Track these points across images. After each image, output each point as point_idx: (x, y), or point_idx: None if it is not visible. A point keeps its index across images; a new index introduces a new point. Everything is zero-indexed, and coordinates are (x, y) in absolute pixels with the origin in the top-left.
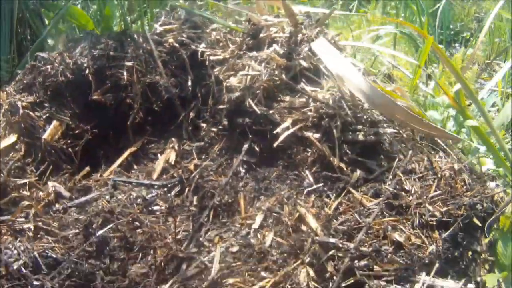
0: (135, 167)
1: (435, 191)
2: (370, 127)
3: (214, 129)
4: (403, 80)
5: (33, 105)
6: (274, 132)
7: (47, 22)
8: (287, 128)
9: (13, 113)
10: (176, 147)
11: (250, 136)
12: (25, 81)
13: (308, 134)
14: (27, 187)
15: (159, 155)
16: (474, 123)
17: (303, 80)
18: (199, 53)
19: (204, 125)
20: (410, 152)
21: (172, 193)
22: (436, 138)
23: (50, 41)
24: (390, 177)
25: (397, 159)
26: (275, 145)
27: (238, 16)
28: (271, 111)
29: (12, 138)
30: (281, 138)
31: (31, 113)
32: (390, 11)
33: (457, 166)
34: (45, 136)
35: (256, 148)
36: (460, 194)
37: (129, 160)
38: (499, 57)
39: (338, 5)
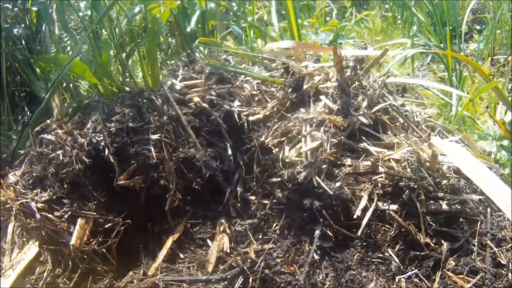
0: (182, 256)
1: None
2: (453, 194)
3: (266, 202)
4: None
5: (49, 203)
6: (354, 216)
7: (38, 71)
8: (366, 208)
9: (27, 216)
10: (227, 229)
11: (321, 220)
12: (34, 174)
13: (385, 207)
14: None
15: (208, 240)
16: None
17: (363, 138)
18: (234, 113)
19: (253, 197)
20: (488, 210)
21: (236, 287)
22: None
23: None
24: (476, 243)
25: (479, 221)
26: (359, 233)
27: (267, 62)
28: (338, 184)
29: (33, 249)
30: (365, 222)
31: (49, 215)
32: (387, 13)
33: None
34: (73, 241)
35: (327, 230)
36: None
37: (173, 248)
38: (503, 49)
39: (333, 13)
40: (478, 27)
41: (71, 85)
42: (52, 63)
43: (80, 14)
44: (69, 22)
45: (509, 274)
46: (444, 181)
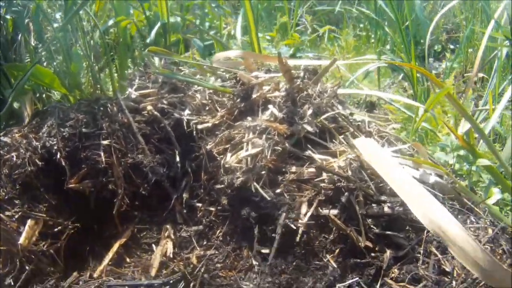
0: (128, 260)
1: None
2: (395, 197)
3: (212, 209)
4: (394, 113)
5: (1, 203)
6: (294, 227)
7: (12, 80)
8: (304, 215)
9: None
10: (172, 235)
11: (257, 225)
12: None
13: (325, 211)
14: None
15: (153, 245)
16: (487, 162)
17: (309, 146)
18: (184, 122)
19: (199, 204)
20: None
21: None
22: (461, 195)
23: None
24: (422, 251)
25: (426, 230)
26: (297, 239)
27: (221, 72)
28: (278, 191)
29: None
30: (301, 229)
31: (1, 215)
32: (360, 33)
33: (491, 231)
34: (21, 241)
35: (267, 234)
36: None
37: (120, 252)
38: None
39: (308, 20)
40: (452, 46)
41: (44, 95)
42: (21, 70)
43: (55, 25)
44: (45, 32)
45: (453, 281)
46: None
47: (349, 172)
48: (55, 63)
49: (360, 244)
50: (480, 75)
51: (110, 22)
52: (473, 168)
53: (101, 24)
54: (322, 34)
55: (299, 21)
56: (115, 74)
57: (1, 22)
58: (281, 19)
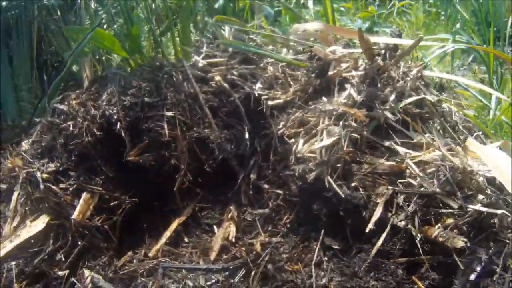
0: (186, 240)
1: None
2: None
3: (280, 192)
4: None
5: (55, 174)
6: (366, 230)
7: (72, 43)
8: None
9: (32, 186)
10: (235, 217)
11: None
12: (43, 143)
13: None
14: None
15: (214, 227)
16: None
17: (390, 135)
18: (254, 96)
19: (267, 186)
20: None
21: (236, 279)
22: None
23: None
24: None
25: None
26: (367, 230)
27: (294, 44)
28: (353, 185)
29: (41, 224)
30: (373, 221)
31: (54, 186)
32: (430, 9)
33: None
34: (75, 215)
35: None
36: None
37: (178, 231)
38: None
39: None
40: None
41: (103, 58)
42: (80, 33)
43: None
44: None
45: None
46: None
47: (435, 182)
48: (115, 26)
49: None
50: None
51: None
52: None
53: None
54: (391, 7)
55: None
56: (177, 39)
57: None
58: None
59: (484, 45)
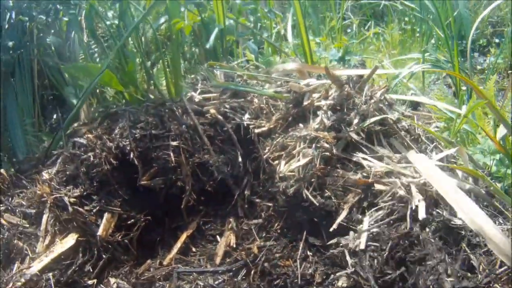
0: (194, 249)
1: (501, 266)
2: None
3: (270, 204)
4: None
5: (80, 198)
6: (330, 229)
7: (67, 77)
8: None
9: (60, 209)
10: (234, 227)
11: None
12: (67, 172)
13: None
14: None
15: (217, 236)
16: None
17: (357, 151)
18: (243, 125)
19: (258, 200)
20: None
21: (239, 278)
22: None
23: (74, 101)
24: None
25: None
26: (331, 229)
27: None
28: (326, 195)
29: (71, 240)
30: (336, 224)
31: (80, 208)
32: (406, 26)
33: None
34: (100, 232)
35: (319, 230)
36: None
37: (186, 242)
38: None
39: (355, 22)
40: (497, 40)
41: (97, 91)
42: (81, 71)
43: (108, 23)
44: (96, 29)
45: (479, 275)
46: None
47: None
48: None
49: None
50: None
51: (162, 20)
52: (509, 171)
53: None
54: (368, 29)
55: (345, 14)
56: (168, 70)
57: (57, 23)
58: (330, 23)
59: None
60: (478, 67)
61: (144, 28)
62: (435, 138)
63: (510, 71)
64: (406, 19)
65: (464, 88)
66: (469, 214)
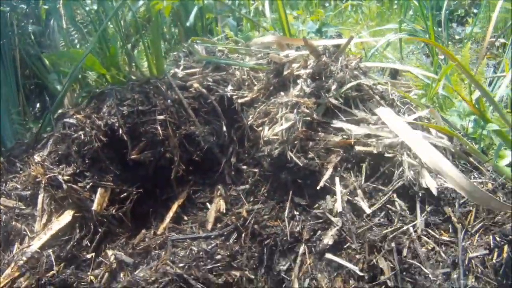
0: (185, 218)
1: (475, 218)
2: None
3: (256, 170)
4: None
5: (74, 176)
6: (318, 187)
7: (47, 63)
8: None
9: (55, 188)
10: (223, 194)
11: (294, 184)
12: (59, 152)
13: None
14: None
15: (207, 204)
16: (496, 127)
17: (337, 114)
18: (226, 97)
19: (245, 167)
20: None
21: (231, 241)
22: (471, 156)
23: (59, 87)
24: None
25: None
26: (318, 187)
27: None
28: (309, 156)
29: (67, 217)
30: (322, 182)
31: (75, 186)
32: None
33: (491, 185)
34: (95, 207)
35: (303, 190)
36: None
37: (178, 212)
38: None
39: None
40: (475, 11)
41: (79, 76)
42: (64, 57)
43: (87, 8)
44: (75, 16)
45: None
46: None
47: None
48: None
49: None
50: (502, 40)
51: (140, 3)
52: (484, 132)
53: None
54: (345, 1)
55: None
56: (148, 52)
57: (37, 11)
58: None
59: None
60: (457, 37)
61: (123, 10)
62: (410, 102)
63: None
64: None
65: (442, 57)
66: (430, 157)
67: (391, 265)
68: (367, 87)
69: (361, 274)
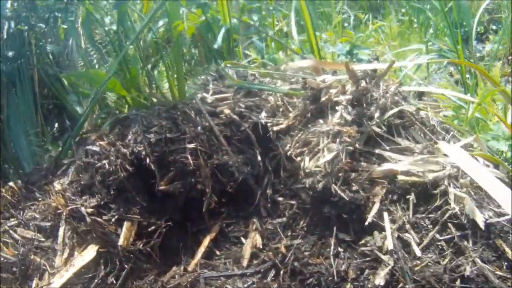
0: (218, 253)
1: None
2: None
3: (293, 202)
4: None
5: (98, 208)
6: (366, 223)
7: (66, 83)
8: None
9: (77, 220)
10: (259, 228)
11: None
12: (82, 182)
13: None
14: None
15: (242, 238)
16: None
17: (379, 143)
18: (260, 124)
19: (281, 199)
20: None
21: (268, 279)
22: None
23: (78, 109)
24: None
25: None
26: (366, 223)
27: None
28: (354, 189)
29: (91, 252)
30: (370, 217)
31: (99, 219)
32: (403, 17)
33: None
34: (121, 242)
35: (348, 225)
36: None
37: (210, 247)
38: None
39: (350, 19)
40: (494, 27)
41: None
42: (83, 77)
43: (106, 28)
44: (94, 36)
45: None
46: None
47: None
48: (108, 66)
49: None
50: None
51: (161, 23)
52: None
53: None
54: (366, 21)
55: (342, 9)
56: (169, 73)
57: (55, 31)
58: (330, 18)
59: (454, 51)
60: (478, 54)
61: (143, 31)
62: (450, 128)
63: (510, 57)
64: (403, 10)
65: (467, 76)
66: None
67: None
68: (409, 114)
69: None
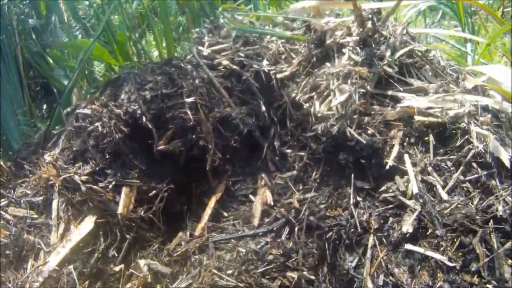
0: (226, 214)
1: None
2: None
3: (303, 153)
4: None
5: (93, 175)
6: (387, 167)
7: (51, 61)
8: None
9: (71, 191)
10: (268, 183)
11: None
12: (74, 148)
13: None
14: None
15: (250, 196)
16: None
17: (391, 84)
18: (262, 72)
19: (289, 151)
20: None
21: (283, 237)
22: None
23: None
24: None
25: None
26: (387, 166)
27: (289, 22)
28: (369, 132)
29: (89, 224)
30: (391, 160)
31: (95, 186)
32: None
33: None
34: (120, 210)
35: (365, 171)
36: None
37: (216, 208)
38: None
39: None
40: None
41: (86, 72)
42: (69, 48)
43: (87, 2)
44: (77, 10)
45: None
46: None
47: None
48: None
49: None
50: None
51: None
52: None
53: None
54: None
55: None
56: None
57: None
58: None
59: None
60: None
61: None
62: (459, 69)
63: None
64: None
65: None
66: None
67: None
68: (419, 54)
69: (452, 264)
